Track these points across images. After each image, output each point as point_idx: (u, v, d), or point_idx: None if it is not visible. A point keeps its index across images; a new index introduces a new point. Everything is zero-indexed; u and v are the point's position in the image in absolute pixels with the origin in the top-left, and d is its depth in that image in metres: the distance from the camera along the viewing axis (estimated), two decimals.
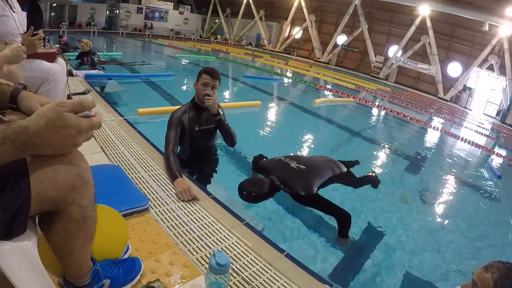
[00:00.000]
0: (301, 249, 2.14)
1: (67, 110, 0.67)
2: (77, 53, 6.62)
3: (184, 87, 7.05)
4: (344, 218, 2.10)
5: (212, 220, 1.66)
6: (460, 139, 7.06)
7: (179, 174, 1.95)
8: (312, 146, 4.65)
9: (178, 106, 2.41)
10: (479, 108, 15.23)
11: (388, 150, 5.16)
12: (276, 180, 2.15)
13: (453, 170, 4.87)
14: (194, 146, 2.33)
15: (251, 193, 2.04)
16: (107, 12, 22.45)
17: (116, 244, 1.19)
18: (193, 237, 1.51)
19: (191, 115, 2.27)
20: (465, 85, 16.03)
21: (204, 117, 2.32)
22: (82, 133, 0.70)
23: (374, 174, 3.11)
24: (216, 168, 2.63)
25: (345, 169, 2.63)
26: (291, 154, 2.83)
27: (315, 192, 2.17)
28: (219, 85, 2.31)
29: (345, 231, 2.10)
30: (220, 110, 2.35)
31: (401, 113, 8.36)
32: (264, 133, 4.92)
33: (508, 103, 13.87)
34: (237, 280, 1.29)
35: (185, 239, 1.48)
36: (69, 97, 3.47)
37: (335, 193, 2.77)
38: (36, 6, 3.19)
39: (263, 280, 1.32)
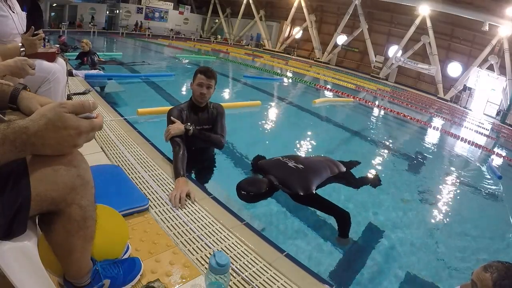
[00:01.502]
0: (301, 249, 2.14)
1: (67, 111, 0.67)
2: (77, 53, 6.62)
3: (184, 87, 7.05)
4: (343, 218, 2.10)
5: (212, 220, 1.66)
6: (460, 139, 7.06)
7: (182, 173, 1.93)
8: (312, 146, 4.65)
9: None
10: (479, 108, 15.22)
11: (388, 150, 5.16)
12: (274, 180, 2.15)
13: (453, 170, 4.87)
14: (191, 145, 2.32)
15: (249, 192, 2.05)
16: (107, 12, 22.45)
17: (116, 244, 1.19)
18: (193, 237, 1.51)
19: (189, 114, 2.27)
20: (465, 85, 16.03)
21: (201, 117, 2.32)
22: (82, 135, 0.70)
23: (374, 174, 3.11)
24: (215, 168, 2.63)
25: (344, 169, 2.63)
26: (290, 154, 2.82)
27: (313, 191, 2.17)
28: (215, 84, 2.30)
29: (345, 231, 2.10)
30: (214, 110, 2.36)
31: (401, 113, 8.36)
32: (264, 133, 4.92)
33: (508, 103, 13.86)
34: (237, 280, 1.29)
35: (185, 239, 1.48)
36: (69, 97, 3.47)
37: (335, 193, 2.77)
38: (36, 6, 3.19)
39: (263, 280, 1.32)
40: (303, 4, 21.64)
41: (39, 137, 0.65)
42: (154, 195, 1.80)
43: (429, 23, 16.52)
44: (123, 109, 3.69)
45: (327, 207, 2.15)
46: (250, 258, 1.44)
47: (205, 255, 1.40)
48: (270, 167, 2.30)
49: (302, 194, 2.11)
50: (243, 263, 1.40)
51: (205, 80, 2.20)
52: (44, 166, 0.72)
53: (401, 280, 2.05)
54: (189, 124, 2.18)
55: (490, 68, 15.19)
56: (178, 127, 2.13)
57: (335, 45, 21.13)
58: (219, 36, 26.82)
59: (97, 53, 6.63)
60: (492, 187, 4.28)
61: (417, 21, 16.91)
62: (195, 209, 1.74)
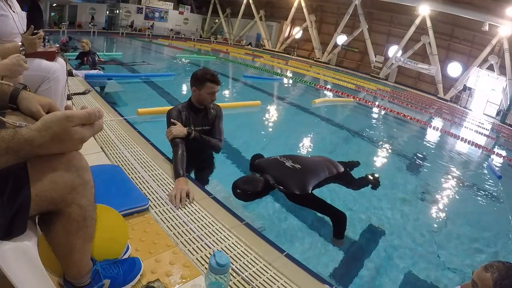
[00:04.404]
0: (301, 249, 2.14)
1: (74, 125, 0.68)
2: (77, 53, 6.62)
3: (184, 87, 7.05)
4: (339, 218, 2.08)
5: (212, 220, 1.66)
6: (460, 139, 7.06)
7: (182, 173, 1.93)
8: (311, 146, 4.65)
9: None
10: (479, 108, 15.22)
11: (388, 150, 5.16)
12: (270, 179, 2.14)
13: (453, 170, 4.87)
14: (190, 146, 2.32)
15: (244, 191, 2.04)
16: (107, 12, 22.45)
17: (116, 244, 1.19)
18: (193, 237, 1.51)
19: (188, 115, 2.27)
20: (465, 85, 16.03)
21: (200, 117, 2.32)
22: (85, 141, 0.72)
23: (373, 175, 3.10)
24: (214, 168, 2.63)
25: (342, 170, 2.61)
26: (288, 154, 2.82)
27: (310, 191, 2.16)
28: None
29: (340, 232, 2.08)
30: (213, 111, 2.36)
31: (401, 113, 8.36)
32: (264, 133, 4.92)
33: (508, 103, 13.86)
34: (237, 280, 1.29)
35: (185, 239, 1.48)
36: (69, 97, 3.46)
37: (333, 194, 2.77)
38: (36, 6, 3.19)
39: (263, 280, 1.32)
40: (303, 4, 21.64)
41: (43, 148, 0.67)
42: (154, 195, 1.80)
43: (429, 23, 16.53)
44: (123, 109, 3.69)
45: (322, 207, 2.14)
46: (250, 258, 1.44)
47: (205, 255, 1.40)
48: (267, 166, 2.30)
49: (298, 193, 2.10)
50: (243, 263, 1.40)
51: (216, 89, 2.22)
52: (44, 166, 0.72)
53: (402, 280, 2.05)
54: (191, 127, 2.19)
55: (490, 68, 15.19)
56: (181, 130, 2.13)
57: (335, 45, 21.13)
58: (219, 36, 26.82)
59: (97, 53, 6.63)
60: (492, 187, 4.28)
61: (417, 21, 16.92)
62: (195, 209, 1.74)
